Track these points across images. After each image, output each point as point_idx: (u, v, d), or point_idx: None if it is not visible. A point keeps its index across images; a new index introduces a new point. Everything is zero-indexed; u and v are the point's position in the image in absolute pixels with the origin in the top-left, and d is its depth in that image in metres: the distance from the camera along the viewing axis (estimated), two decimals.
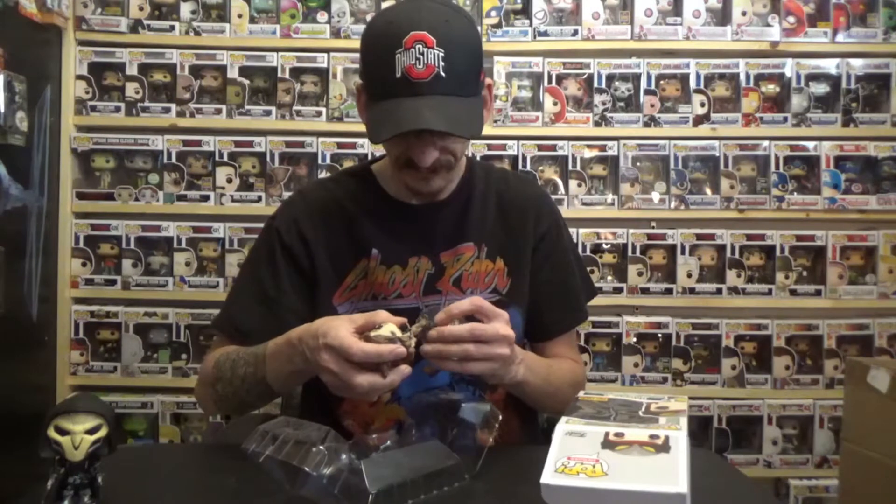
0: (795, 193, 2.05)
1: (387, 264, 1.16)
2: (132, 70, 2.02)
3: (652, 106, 2.04)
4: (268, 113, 2.03)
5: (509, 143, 2.03)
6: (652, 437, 0.76)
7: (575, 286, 1.26)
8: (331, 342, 0.89)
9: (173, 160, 2.02)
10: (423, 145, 1.04)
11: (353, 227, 1.18)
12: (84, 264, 2.01)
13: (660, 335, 2.03)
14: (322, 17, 2.03)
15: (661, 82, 2.06)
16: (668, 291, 2.02)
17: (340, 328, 0.91)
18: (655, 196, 2.04)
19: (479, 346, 0.94)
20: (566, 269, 1.26)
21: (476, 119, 1.06)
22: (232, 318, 1.17)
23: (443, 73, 0.99)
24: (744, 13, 2.04)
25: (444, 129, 1.00)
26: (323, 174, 1.99)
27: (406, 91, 0.99)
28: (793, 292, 2.03)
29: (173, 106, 2.03)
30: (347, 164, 2.01)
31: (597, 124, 2.04)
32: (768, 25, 2.04)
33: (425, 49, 0.98)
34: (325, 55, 2.03)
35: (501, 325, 0.96)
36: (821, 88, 2.07)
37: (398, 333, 0.90)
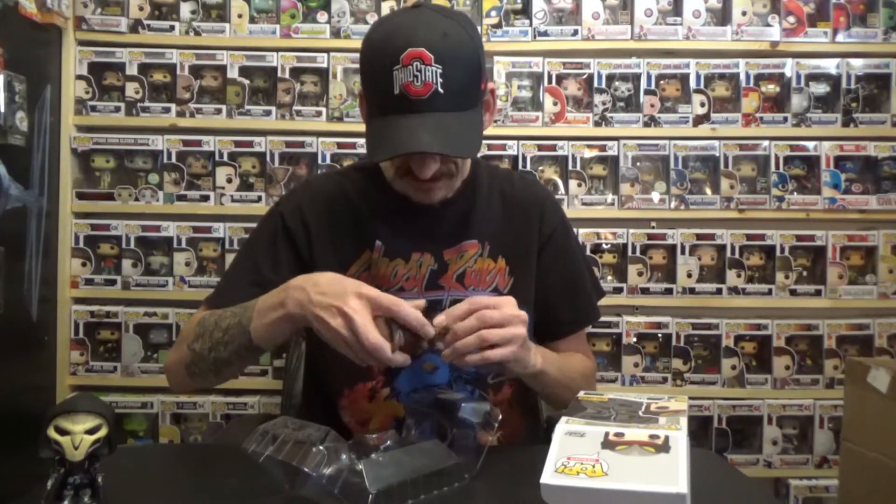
0: (795, 193, 2.04)
1: (389, 257, 1.16)
2: (132, 70, 2.02)
3: (652, 106, 2.04)
4: (268, 113, 2.03)
5: (509, 143, 2.03)
6: (652, 437, 0.76)
7: (584, 285, 1.27)
8: (366, 291, 0.93)
9: (173, 160, 2.02)
10: (422, 160, 1.04)
11: (358, 219, 1.18)
12: (84, 264, 2.01)
13: (660, 335, 2.03)
14: (322, 17, 2.03)
15: (661, 82, 2.06)
16: (668, 291, 2.02)
17: (364, 284, 0.95)
18: (655, 196, 2.04)
19: (492, 331, 0.94)
20: (575, 269, 1.26)
21: (474, 135, 1.05)
22: (224, 296, 1.17)
23: (441, 90, 0.98)
24: (744, 13, 2.04)
25: (441, 152, 1.00)
26: None
27: (404, 108, 0.99)
28: (793, 292, 2.02)
29: (173, 106, 2.02)
30: (347, 163, 2.01)
31: (597, 124, 2.04)
32: (768, 25, 2.04)
33: (423, 66, 0.97)
34: (325, 55, 2.03)
35: (508, 307, 0.97)
36: (821, 88, 2.07)
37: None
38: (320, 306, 0.93)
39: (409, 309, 0.92)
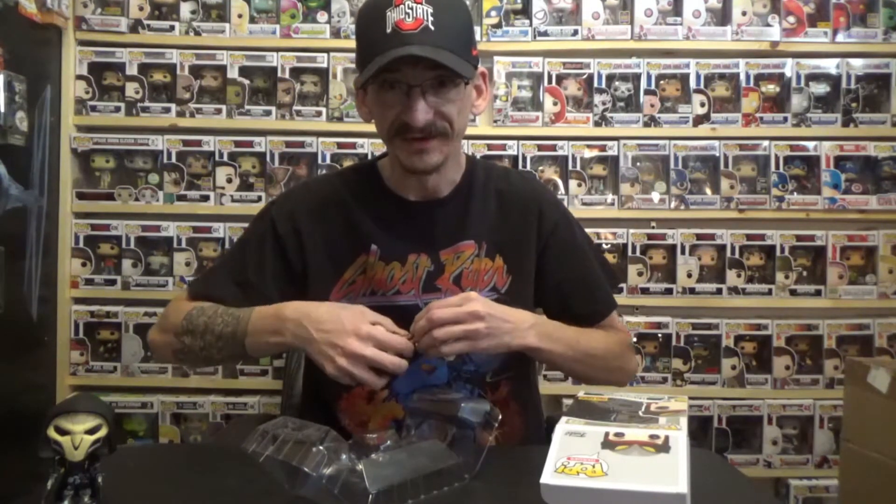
0: (795, 193, 2.04)
1: (386, 260, 1.16)
2: (132, 70, 2.02)
3: (652, 106, 2.04)
4: (268, 113, 2.03)
5: (509, 143, 2.03)
6: (652, 437, 0.76)
7: (597, 277, 1.26)
8: (366, 331, 0.99)
9: (173, 160, 2.02)
10: (415, 102, 1.04)
11: (353, 222, 1.18)
12: (84, 264, 2.01)
13: (660, 335, 2.03)
14: (322, 17, 2.03)
15: (661, 82, 2.06)
16: (668, 291, 2.02)
17: (363, 322, 1.00)
18: (655, 196, 2.04)
19: (442, 330, 1.00)
20: (585, 262, 1.25)
21: (466, 69, 1.06)
22: (209, 288, 1.19)
23: (431, 27, 1.02)
24: (744, 13, 2.04)
25: (432, 57, 1.01)
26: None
27: (396, 42, 1.02)
28: (793, 292, 2.02)
29: (173, 106, 2.03)
30: (347, 163, 2.01)
31: (597, 124, 2.04)
32: (768, 25, 2.04)
33: (413, 4, 1.03)
34: (325, 55, 2.03)
35: (468, 305, 1.02)
36: (821, 88, 2.07)
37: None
38: (325, 343, 0.99)
39: (406, 345, 1.01)
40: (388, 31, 1.02)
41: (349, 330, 0.98)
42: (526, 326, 1.08)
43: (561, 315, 1.23)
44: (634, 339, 2.01)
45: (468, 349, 1.03)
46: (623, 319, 2.00)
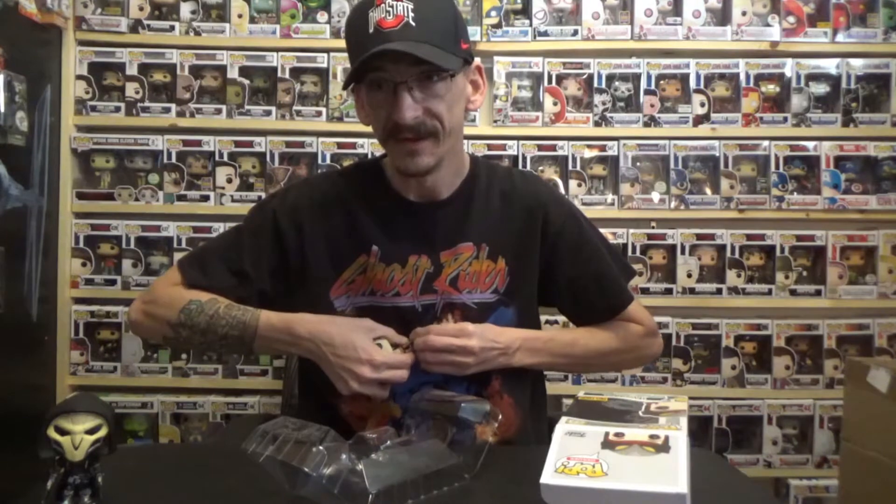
0: (795, 193, 2.05)
1: (386, 262, 1.16)
2: (132, 70, 2.02)
3: (652, 106, 2.04)
4: (268, 113, 2.03)
5: (509, 143, 2.03)
6: (652, 437, 0.76)
7: (610, 272, 1.26)
8: (379, 359, 1.05)
9: (173, 160, 2.02)
10: (401, 99, 1.05)
11: (355, 222, 1.18)
12: (84, 264, 2.01)
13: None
14: (322, 17, 2.03)
15: (661, 82, 2.06)
16: (668, 291, 2.02)
17: (373, 348, 1.06)
18: (655, 196, 2.04)
19: (434, 354, 1.09)
20: (597, 258, 1.25)
21: (451, 61, 1.06)
22: (204, 274, 1.18)
23: (412, 23, 1.03)
24: (744, 13, 2.04)
25: (409, 51, 1.01)
26: None
27: (378, 41, 1.03)
28: (793, 292, 2.03)
29: (173, 106, 2.03)
30: (347, 164, 2.01)
31: (597, 124, 2.04)
32: (768, 25, 2.04)
33: (394, 2, 1.04)
34: (325, 55, 2.03)
35: (462, 339, 1.09)
36: (821, 88, 2.07)
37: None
38: (340, 368, 1.05)
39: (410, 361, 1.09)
40: (371, 31, 1.03)
41: (363, 359, 1.04)
42: (514, 349, 1.14)
43: (576, 312, 1.26)
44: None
45: (456, 373, 1.11)
46: None
